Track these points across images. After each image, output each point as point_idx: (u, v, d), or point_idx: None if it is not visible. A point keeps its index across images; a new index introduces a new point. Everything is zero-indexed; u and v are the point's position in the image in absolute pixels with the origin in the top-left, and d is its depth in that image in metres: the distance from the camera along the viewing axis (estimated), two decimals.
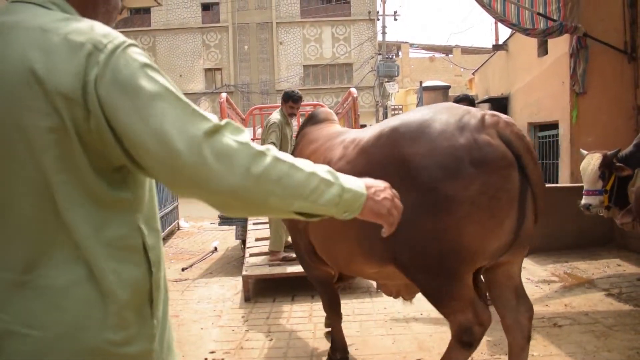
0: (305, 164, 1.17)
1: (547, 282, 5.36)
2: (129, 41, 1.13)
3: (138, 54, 1.11)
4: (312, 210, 1.19)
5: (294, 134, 5.42)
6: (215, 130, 1.07)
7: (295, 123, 6.92)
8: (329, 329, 3.90)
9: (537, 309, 4.52)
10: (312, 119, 3.94)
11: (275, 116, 5.94)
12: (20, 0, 1.13)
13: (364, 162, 2.64)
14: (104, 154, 1.09)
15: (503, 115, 2.50)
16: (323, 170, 1.19)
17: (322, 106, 10.91)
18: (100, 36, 1.07)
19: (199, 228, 12.31)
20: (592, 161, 4.71)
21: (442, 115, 2.49)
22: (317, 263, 3.38)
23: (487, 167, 2.31)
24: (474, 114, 2.47)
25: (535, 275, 5.59)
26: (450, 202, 2.33)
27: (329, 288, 3.62)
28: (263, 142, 6.02)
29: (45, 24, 1.07)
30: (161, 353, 1.25)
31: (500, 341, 3.81)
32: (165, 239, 10.41)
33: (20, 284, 1.07)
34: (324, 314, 4.34)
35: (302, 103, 6.92)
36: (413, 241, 2.42)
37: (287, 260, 5.59)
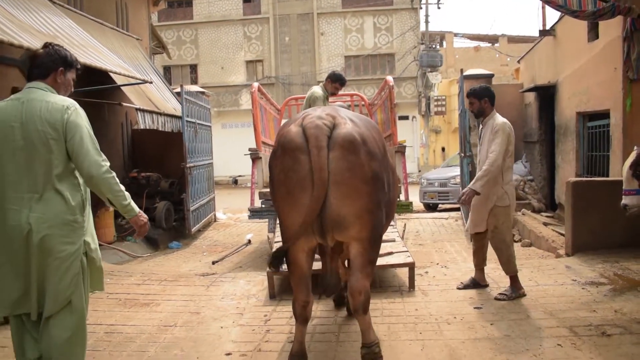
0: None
1: (595, 284, 4.93)
2: (76, 105, 2.85)
3: (80, 111, 2.86)
4: (115, 203, 2.91)
5: None
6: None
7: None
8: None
9: (584, 314, 4.16)
10: None
11: (319, 90, 6.29)
12: (32, 86, 2.86)
13: None
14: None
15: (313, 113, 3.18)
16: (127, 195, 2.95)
17: (359, 95, 10.67)
18: (68, 103, 2.83)
19: (236, 220, 12.25)
20: (629, 158, 4.36)
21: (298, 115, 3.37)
22: None
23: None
24: (315, 110, 3.25)
25: (582, 277, 5.16)
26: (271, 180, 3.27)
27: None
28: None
29: (45, 96, 2.82)
30: (88, 224, 2.96)
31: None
32: (201, 231, 10.37)
33: (38, 198, 2.75)
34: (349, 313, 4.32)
35: (340, 93, 7.23)
36: None
37: None
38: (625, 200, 4.33)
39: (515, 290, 4.69)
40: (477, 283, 5.03)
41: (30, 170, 2.75)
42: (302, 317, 3.29)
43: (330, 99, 11.22)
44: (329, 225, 3.00)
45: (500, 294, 4.71)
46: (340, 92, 7.73)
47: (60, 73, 2.92)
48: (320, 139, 2.93)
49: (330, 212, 2.95)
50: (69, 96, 2.96)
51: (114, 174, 2.85)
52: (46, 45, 2.98)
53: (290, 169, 2.97)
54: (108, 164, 2.84)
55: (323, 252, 3.82)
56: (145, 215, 3.08)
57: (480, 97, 4.88)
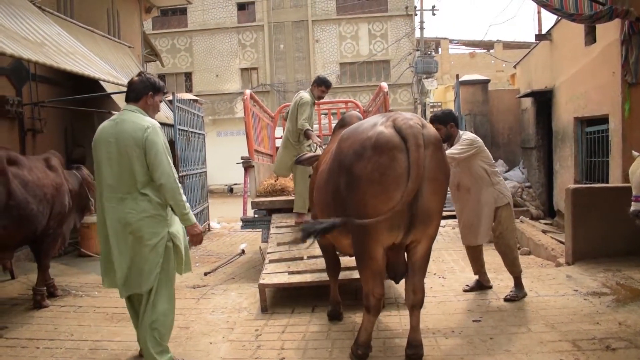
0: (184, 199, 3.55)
1: (598, 294, 4.77)
2: (157, 124, 3.51)
3: (158, 129, 3.49)
4: (175, 210, 3.54)
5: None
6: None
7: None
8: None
9: (586, 327, 4.00)
10: (340, 122, 4.75)
11: (307, 95, 6.35)
12: (126, 109, 3.57)
13: (330, 160, 3.75)
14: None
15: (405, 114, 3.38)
16: (187, 205, 3.56)
17: (353, 102, 10.56)
18: (148, 123, 3.46)
19: (230, 229, 12.05)
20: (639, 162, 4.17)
21: (372, 118, 3.52)
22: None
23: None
24: (391, 115, 3.39)
25: (584, 286, 5.01)
26: (357, 179, 3.25)
27: (330, 253, 4.51)
28: (292, 116, 6.35)
29: (134, 117, 3.49)
30: (171, 219, 3.59)
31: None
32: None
33: (128, 198, 3.44)
34: (343, 328, 4.32)
35: (334, 100, 7.42)
36: (347, 211, 3.34)
37: None
38: (637, 207, 4.12)
39: (521, 290, 4.81)
40: (482, 285, 5.11)
41: (121, 176, 3.44)
42: (376, 309, 3.49)
43: (324, 106, 11.17)
44: (419, 219, 3.26)
45: (509, 295, 4.77)
46: (336, 99, 7.69)
47: (150, 97, 3.59)
48: (418, 138, 3.14)
49: (422, 206, 3.21)
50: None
51: (179, 185, 3.50)
52: (139, 74, 3.72)
53: (388, 167, 3.14)
54: (177, 176, 3.53)
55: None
56: (200, 227, 3.70)
57: (446, 123, 4.89)
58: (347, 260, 4.88)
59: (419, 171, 3.10)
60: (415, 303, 3.50)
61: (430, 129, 3.39)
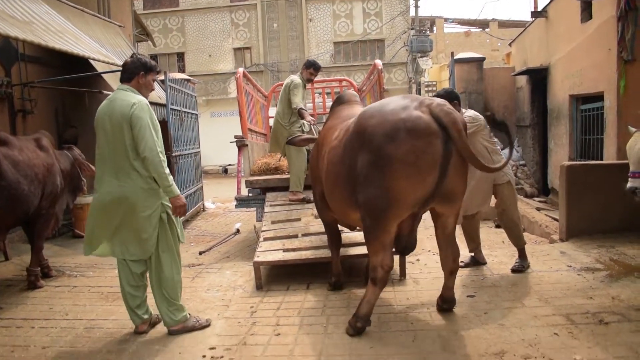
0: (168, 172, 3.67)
1: (591, 270, 4.80)
2: (144, 101, 3.67)
3: (145, 105, 3.63)
4: (159, 182, 3.65)
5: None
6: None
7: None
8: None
9: (580, 301, 4.02)
10: (339, 100, 4.94)
11: (297, 78, 6.54)
12: (120, 88, 3.74)
13: (346, 138, 3.79)
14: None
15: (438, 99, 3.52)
16: (170, 178, 3.67)
17: (348, 80, 10.49)
18: (135, 100, 3.62)
19: (225, 209, 12.03)
20: (639, 139, 4.14)
21: (397, 99, 3.57)
22: (326, 207, 4.46)
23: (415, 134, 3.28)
24: (418, 98, 3.50)
25: (577, 262, 5.04)
26: (387, 159, 3.32)
27: (333, 228, 4.72)
28: (283, 99, 6.50)
29: (125, 96, 3.66)
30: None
31: (538, 340, 3.35)
32: (189, 221, 10.16)
33: (122, 172, 3.62)
34: (338, 305, 4.32)
35: (328, 79, 7.54)
36: (365, 188, 3.47)
37: (307, 202, 6.23)
38: (634, 183, 4.07)
39: (525, 260, 4.99)
40: (477, 261, 5.20)
41: (116, 152, 3.63)
42: (383, 281, 3.63)
43: (319, 85, 11.10)
44: (448, 197, 3.50)
45: (516, 266, 4.93)
46: (330, 78, 7.72)
47: (142, 76, 3.77)
48: (457, 123, 3.32)
49: (450, 185, 3.41)
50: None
51: (163, 158, 3.61)
52: (132, 56, 4.01)
53: (424, 151, 3.26)
54: (160, 149, 3.62)
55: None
56: (184, 199, 3.80)
57: (450, 101, 4.83)
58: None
59: (465, 153, 3.35)
60: (453, 269, 3.87)
61: (459, 114, 3.56)
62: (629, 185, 4.12)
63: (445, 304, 3.98)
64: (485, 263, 5.18)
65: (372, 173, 3.41)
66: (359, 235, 5.26)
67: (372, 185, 3.42)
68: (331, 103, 9.70)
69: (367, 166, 3.45)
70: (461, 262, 5.13)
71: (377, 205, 3.43)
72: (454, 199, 3.58)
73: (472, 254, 5.23)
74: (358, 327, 3.61)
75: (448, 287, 3.95)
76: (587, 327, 3.53)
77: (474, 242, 5.18)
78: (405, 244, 3.90)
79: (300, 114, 6.34)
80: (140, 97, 3.69)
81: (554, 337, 3.42)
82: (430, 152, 3.27)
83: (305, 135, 5.75)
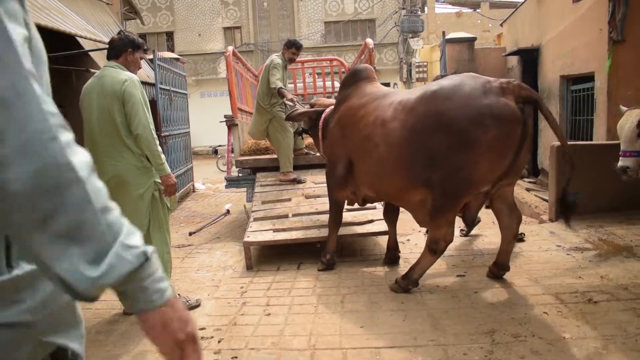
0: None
1: (580, 249, 4.83)
2: (135, 78, 3.62)
3: (136, 82, 3.59)
4: (151, 159, 3.71)
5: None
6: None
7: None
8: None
9: (569, 281, 4.05)
10: (357, 75, 4.68)
11: (277, 58, 6.39)
12: (107, 65, 3.69)
13: (412, 118, 3.74)
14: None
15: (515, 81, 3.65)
16: (163, 156, 3.74)
17: (338, 60, 10.39)
18: (126, 76, 3.58)
19: (215, 190, 11.97)
20: (630, 118, 4.16)
21: (469, 81, 3.63)
22: (342, 187, 4.57)
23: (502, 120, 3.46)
24: (494, 81, 3.61)
25: (567, 242, 5.06)
26: (472, 143, 3.46)
27: (340, 207, 4.78)
28: (263, 80, 6.36)
29: (113, 73, 3.61)
30: None
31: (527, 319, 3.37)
32: (179, 201, 10.08)
33: (114, 151, 3.61)
34: (329, 285, 4.32)
35: (319, 58, 7.39)
36: (442, 169, 3.58)
37: (297, 182, 6.24)
38: (624, 162, 4.09)
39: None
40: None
41: (105, 130, 3.59)
42: (441, 252, 3.93)
43: (309, 64, 10.98)
44: (514, 172, 3.74)
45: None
46: (321, 57, 7.61)
47: (129, 53, 3.72)
48: (531, 114, 3.60)
49: (518, 162, 3.66)
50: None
51: (155, 136, 3.63)
52: (119, 33, 3.89)
53: (508, 137, 3.48)
54: (152, 127, 3.62)
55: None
56: (174, 178, 3.81)
57: None
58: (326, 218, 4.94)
59: (555, 124, 3.76)
60: (516, 232, 4.05)
61: None
62: (619, 164, 4.13)
63: (501, 270, 4.12)
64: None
65: (452, 155, 3.55)
66: (359, 215, 5.38)
67: (452, 166, 3.56)
68: (322, 82, 9.54)
69: (446, 148, 3.56)
70: (461, 230, 5.47)
71: (456, 185, 3.61)
72: (518, 172, 3.85)
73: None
74: (408, 288, 3.97)
75: (507, 252, 4.09)
76: (576, 306, 3.55)
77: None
78: (473, 218, 4.13)
79: (280, 93, 6.11)
80: (130, 74, 3.65)
81: (543, 316, 3.43)
82: (513, 137, 3.50)
83: (303, 109, 5.54)
